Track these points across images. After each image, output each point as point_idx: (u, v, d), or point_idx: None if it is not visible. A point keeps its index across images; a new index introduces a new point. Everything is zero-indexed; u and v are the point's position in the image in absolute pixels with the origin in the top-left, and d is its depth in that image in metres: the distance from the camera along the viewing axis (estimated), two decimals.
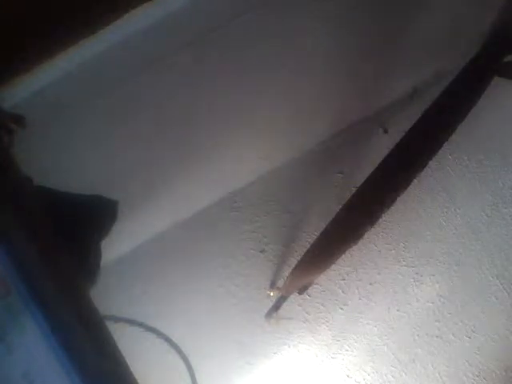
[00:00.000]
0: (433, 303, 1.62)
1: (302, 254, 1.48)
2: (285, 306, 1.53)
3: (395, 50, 1.47)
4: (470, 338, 1.61)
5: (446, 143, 1.49)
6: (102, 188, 0.94)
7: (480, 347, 1.60)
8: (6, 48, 0.76)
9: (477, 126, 1.65)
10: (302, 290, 1.54)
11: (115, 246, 1.12)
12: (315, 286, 1.57)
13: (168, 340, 1.43)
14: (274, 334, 1.55)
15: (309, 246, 1.47)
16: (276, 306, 1.52)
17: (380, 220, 1.49)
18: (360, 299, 1.60)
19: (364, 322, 1.59)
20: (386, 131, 1.70)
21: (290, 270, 1.48)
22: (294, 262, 1.52)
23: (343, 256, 1.50)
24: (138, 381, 0.61)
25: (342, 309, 1.59)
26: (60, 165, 0.99)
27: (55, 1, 0.79)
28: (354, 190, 1.49)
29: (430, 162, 1.48)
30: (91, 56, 0.84)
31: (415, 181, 1.47)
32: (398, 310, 1.60)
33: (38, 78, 0.83)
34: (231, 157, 1.44)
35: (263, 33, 1.08)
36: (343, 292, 1.60)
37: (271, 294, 1.53)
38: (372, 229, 1.49)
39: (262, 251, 1.59)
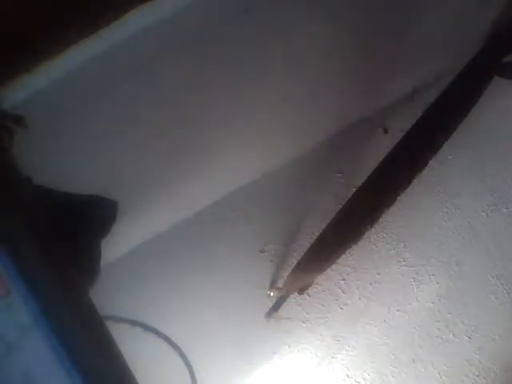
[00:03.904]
0: (433, 303, 1.62)
1: (302, 254, 1.48)
2: (285, 305, 1.53)
3: (395, 50, 1.47)
4: (470, 338, 1.61)
5: (446, 143, 1.49)
6: (102, 188, 0.94)
7: (480, 347, 1.60)
8: (5, 48, 0.76)
9: (477, 126, 1.65)
10: (302, 290, 1.54)
11: (115, 246, 1.12)
12: (315, 285, 1.57)
13: (168, 340, 1.43)
14: (274, 334, 1.55)
15: (309, 245, 1.47)
16: (276, 306, 1.52)
17: (380, 220, 1.49)
18: (360, 299, 1.60)
19: (364, 322, 1.59)
20: (386, 131, 1.71)
21: (290, 270, 1.48)
22: (293, 262, 1.52)
23: (343, 256, 1.50)
24: (138, 381, 0.61)
25: (341, 309, 1.59)
26: (60, 165, 0.99)
27: (55, 1, 0.79)
28: (354, 190, 1.49)
29: (430, 162, 1.48)
30: (91, 56, 0.84)
31: (415, 181, 1.47)
32: (398, 310, 1.60)
33: (38, 78, 0.83)
34: (231, 157, 1.44)
35: (263, 33, 1.08)
36: (343, 292, 1.60)
37: (271, 293, 1.53)
38: (372, 229, 1.49)
39: (262, 251, 1.59)
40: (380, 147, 1.55)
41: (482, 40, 1.60)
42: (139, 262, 1.48)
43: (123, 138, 1.09)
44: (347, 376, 1.56)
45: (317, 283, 1.57)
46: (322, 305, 1.58)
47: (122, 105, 1.00)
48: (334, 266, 1.54)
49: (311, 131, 1.61)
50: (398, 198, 1.45)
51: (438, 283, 1.63)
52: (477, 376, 1.59)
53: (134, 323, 1.41)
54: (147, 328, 1.42)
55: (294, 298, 1.55)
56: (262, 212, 1.60)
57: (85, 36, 0.83)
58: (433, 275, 1.64)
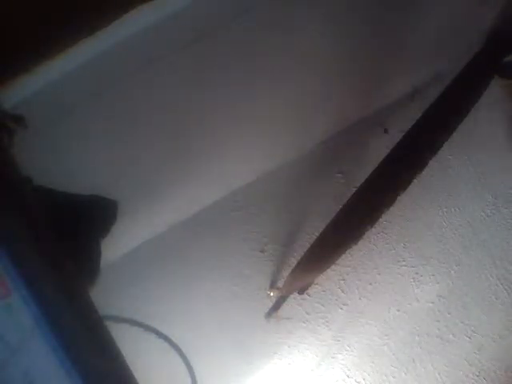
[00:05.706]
0: (433, 303, 1.62)
1: (302, 254, 1.48)
2: (285, 306, 1.53)
3: (395, 50, 1.47)
4: (469, 338, 1.61)
5: (445, 143, 1.49)
6: (102, 188, 0.94)
7: (480, 347, 1.60)
8: (6, 48, 0.76)
9: (477, 126, 1.65)
10: (302, 290, 1.54)
11: (115, 246, 1.12)
12: (315, 286, 1.57)
13: (168, 340, 1.43)
14: (274, 334, 1.55)
15: (309, 246, 1.47)
16: (276, 306, 1.52)
17: (380, 220, 1.49)
18: (360, 299, 1.60)
19: (364, 322, 1.59)
20: (386, 131, 1.71)
21: (290, 270, 1.48)
22: (293, 262, 1.52)
23: (343, 256, 1.50)
24: (138, 381, 0.61)
25: (341, 309, 1.59)
26: (60, 165, 0.99)
27: (55, 1, 0.79)
28: (354, 189, 1.49)
29: (430, 162, 1.48)
30: (91, 56, 0.84)
31: (415, 181, 1.47)
32: (398, 310, 1.60)
33: (38, 78, 0.83)
34: (231, 157, 1.44)
35: (263, 33, 1.08)
36: (343, 292, 1.60)
37: (271, 293, 1.53)
38: (372, 229, 1.49)
39: (262, 251, 1.59)
40: (380, 147, 1.55)
41: (482, 40, 1.60)
42: (139, 262, 1.48)
43: (123, 138, 1.09)
44: (347, 376, 1.56)
45: (317, 283, 1.57)
46: (322, 305, 1.58)
47: (122, 105, 1.00)
48: (333, 266, 1.54)
49: (311, 131, 1.61)
50: (398, 198, 1.45)
51: (438, 283, 1.63)
52: (477, 376, 1.59)
53: (133, 323, 1.41)
54: (147, 328, 1.42)
55: (294, 298, 1.55)
56: (262, 212, 1.60)
57: (85, 36, 0.83)
58: (433, 275, 1.64)
